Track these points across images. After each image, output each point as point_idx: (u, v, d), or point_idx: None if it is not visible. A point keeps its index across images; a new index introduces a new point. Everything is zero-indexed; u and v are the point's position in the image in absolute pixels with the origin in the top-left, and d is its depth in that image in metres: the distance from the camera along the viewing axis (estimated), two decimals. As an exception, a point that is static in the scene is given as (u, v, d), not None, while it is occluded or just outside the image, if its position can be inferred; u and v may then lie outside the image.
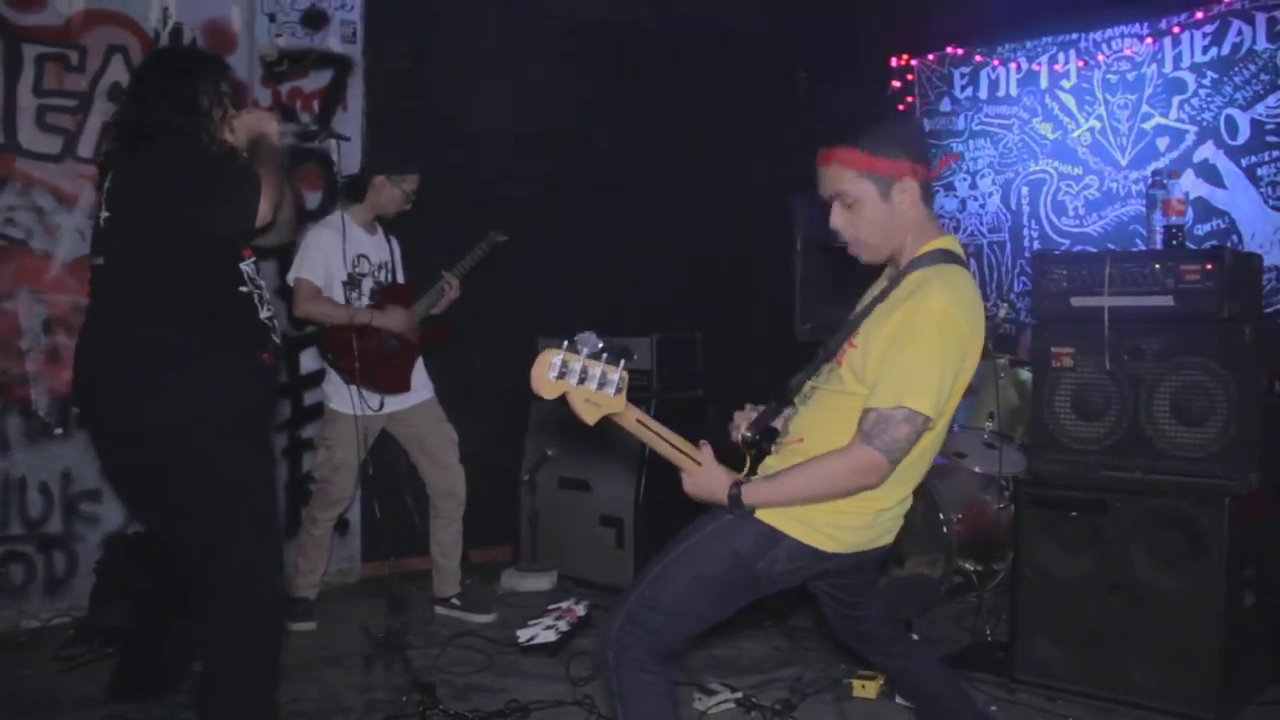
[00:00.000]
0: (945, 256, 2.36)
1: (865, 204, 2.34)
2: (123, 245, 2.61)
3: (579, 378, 2.10)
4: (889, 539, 2.48)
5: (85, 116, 4.46)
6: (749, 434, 2.49)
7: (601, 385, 2.12)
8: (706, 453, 2.31)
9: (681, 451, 2.29)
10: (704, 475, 2.30)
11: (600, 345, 2.12)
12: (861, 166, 2.31)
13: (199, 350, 2.58)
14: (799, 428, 2.43)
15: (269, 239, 2.88)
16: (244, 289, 2.69)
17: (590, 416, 2.14)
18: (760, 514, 2.32)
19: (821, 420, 2.38)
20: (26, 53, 4.34)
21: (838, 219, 2.38)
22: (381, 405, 4.32)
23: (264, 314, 2.73)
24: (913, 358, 2.21)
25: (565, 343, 2.12)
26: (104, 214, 2.63)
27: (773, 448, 2.47)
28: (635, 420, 2.21)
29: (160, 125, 2.62)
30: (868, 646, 2.71)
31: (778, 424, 2.52)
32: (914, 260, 2.36)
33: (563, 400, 2.12)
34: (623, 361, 2.18)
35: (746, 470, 2.43)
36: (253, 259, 2.77)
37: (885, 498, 2.37)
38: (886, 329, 2.27)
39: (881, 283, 2.48)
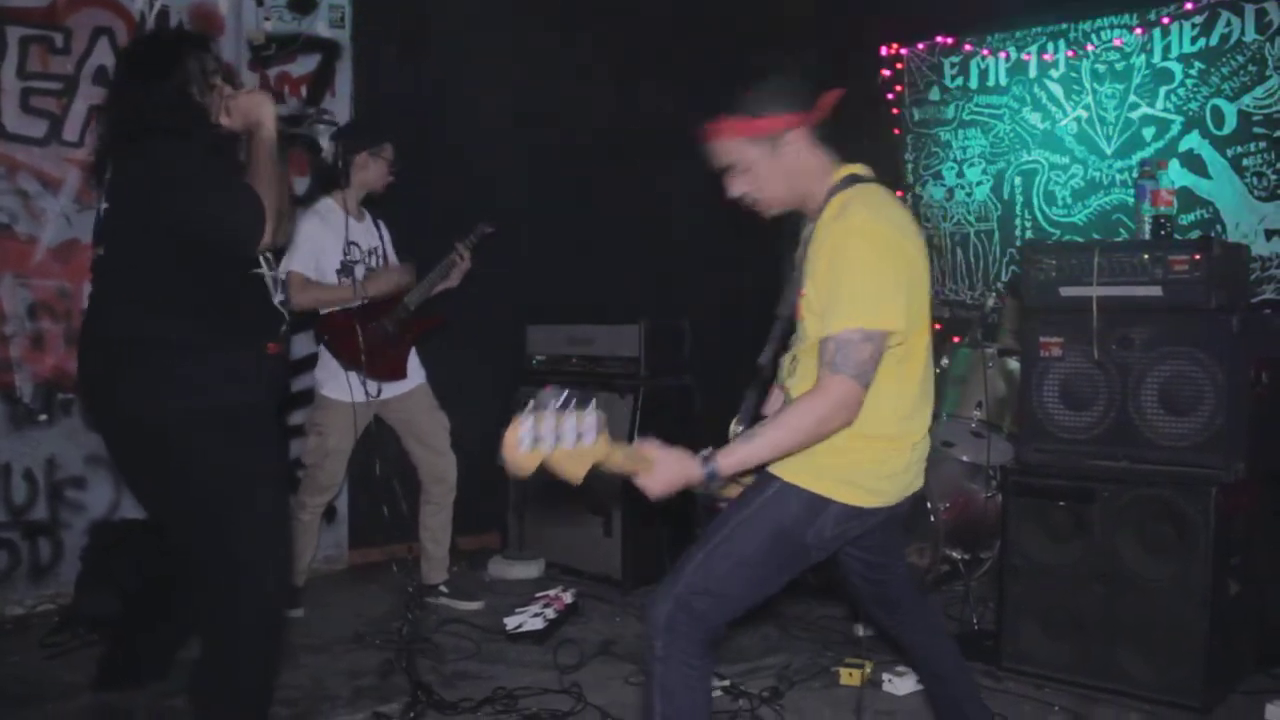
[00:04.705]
0: (856, 180, 2.37)
1: (758, 166, 2.35)
2: (124, 237, 2.56)
3: (553, 441, 1.96)
4: (919, 482, 2.46)
5: (70, 100, 4.43)
6: (739, 428, 2.48)
7: (579, 437, 1.98)
8: (649, 446, 2.17)
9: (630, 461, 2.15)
10: (659, 467, 2.16)
11: (562, 400, 1.95)
12: (743, 133, 2.33)
13: (200, 342, 2.53)
14: (795, 397, 2.38)
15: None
16: (256, 273, 2.64)
17: (578, 474, 2.04)
18: (801, 482, 2.28)
19: (812, 379, 2.31)
20: (11, 34, 4.30)
21: (737, 187, 2.39)
22: (379, 392, 4.30)
23: (277, 299, 2.70)
24: (851, 279, 2.21)
25: (529, 405, 1.94)
26: (104, 205, 2.59)
27: None
28: (620, 459, 2.11)
29: (155, 124, 2.54)
30: (890, 615, 2.68)
31: (765, 409, 2.51)
32: (827, 194, 2.36)
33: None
34: (593, 401, 2.00)
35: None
36: None
37: (914, 430, 2.37)
38: (823, 258, 2.27)
39: (807, 229, 2.46)
